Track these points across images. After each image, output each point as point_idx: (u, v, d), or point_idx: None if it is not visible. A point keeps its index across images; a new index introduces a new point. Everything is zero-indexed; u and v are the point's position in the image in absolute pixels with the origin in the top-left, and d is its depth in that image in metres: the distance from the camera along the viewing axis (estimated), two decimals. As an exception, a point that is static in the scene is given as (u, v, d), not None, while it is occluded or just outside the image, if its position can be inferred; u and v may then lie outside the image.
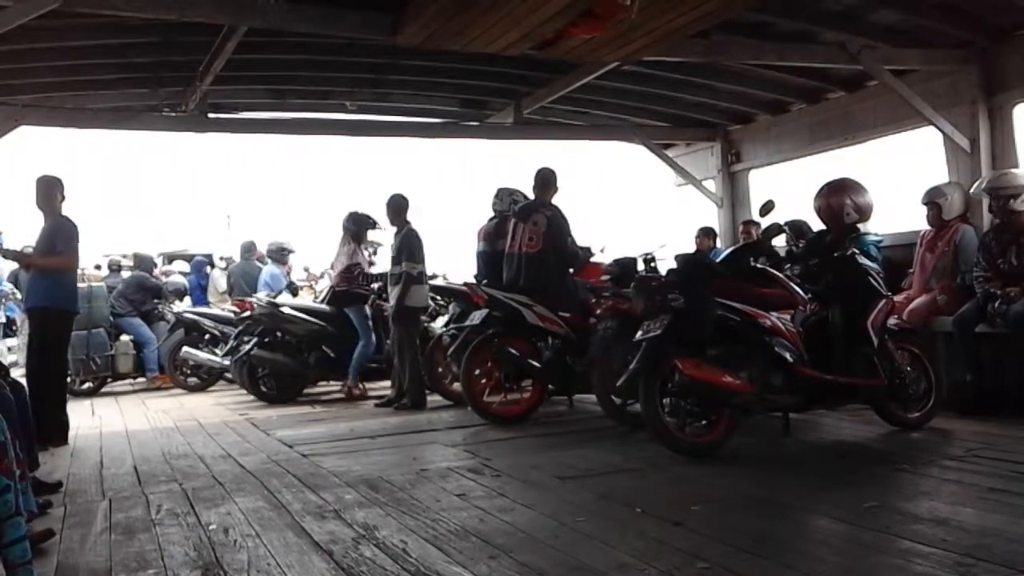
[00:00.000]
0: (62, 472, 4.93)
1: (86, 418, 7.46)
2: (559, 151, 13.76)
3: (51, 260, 6.06)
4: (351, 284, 8.09)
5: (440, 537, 3.34)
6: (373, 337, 8.07)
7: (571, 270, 6.63)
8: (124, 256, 11.88)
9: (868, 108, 7.54)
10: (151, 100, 7.56)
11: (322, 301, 8.51)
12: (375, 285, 8.10)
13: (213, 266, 12.42)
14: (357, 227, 8.13)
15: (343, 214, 8.21)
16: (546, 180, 6.67)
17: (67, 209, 6.15)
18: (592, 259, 6.98)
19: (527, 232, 6.46)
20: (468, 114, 8.96)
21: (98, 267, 11.33)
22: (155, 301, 10.22)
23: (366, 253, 8.48)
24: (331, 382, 8.99)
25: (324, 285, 9.07)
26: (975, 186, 6.12)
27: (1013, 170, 6.00)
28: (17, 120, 7.03)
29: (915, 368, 5.25)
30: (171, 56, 6.65)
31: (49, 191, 6.08)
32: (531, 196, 6.85)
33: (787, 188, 8.40)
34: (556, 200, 6.70)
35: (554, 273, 6.39)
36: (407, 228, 7.28)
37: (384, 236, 8.29)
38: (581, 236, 6.87)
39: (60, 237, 6.01)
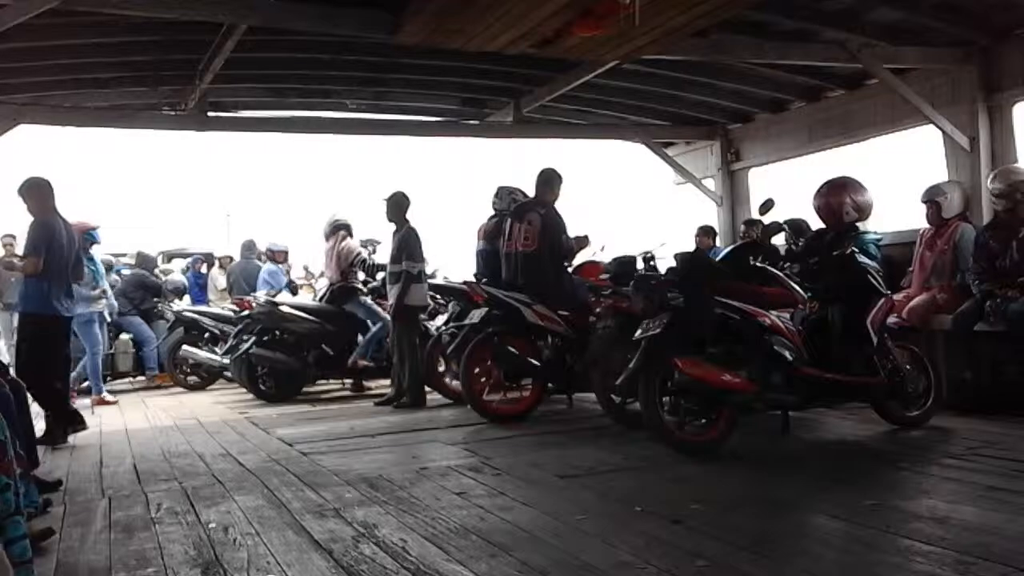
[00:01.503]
0: (62, 471, 4.93)
1: (85, 417, 7.44)
2: (559, 150, 13.76)
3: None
4: (348, 279, 8.12)
5: (440, 535, 3.34)
6: (386, 320, 8.03)
7: (568, 268, 6.62)
8: (116, 256, 11.87)
9: (868, 107, 7.54)
10: (150, 99, 7.56)
11: (321, 299, 8.51)
12: (380, 275, 8.12)
13: (211, 264, 12.42)
14: (343, 222, 8.23)
15: (326, 220, 8.33)
16: (548, 180, 6.65)
17: (68, 209, 6.11)
18: (587, 247, 6.95)
19: (522, 231, 6.46)
20: (468, 113, 8.97)
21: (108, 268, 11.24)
22: (155, 299, 10.21)
23: (362, 249, 8.50)
24: (330, 380, 9.01)
25: (323, 284, 9.11)
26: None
27: (1012, 166, 6.00)
28: (16, 119, 7.04)
29: (915, 367, 5.26)
30: (170, 55, 6.65)
31: (30, 195, 5.86)
32: (532, 195, 6.84)
33: (786, 187, 8.40)
34: (559, 200, 6.69)
35: (551, 271, 6.39)
36: (407, 227, 7.27)
37: (383, 234, 8.32)
38: (580, 233, 6.87)
39: (28, 241, 5.83)
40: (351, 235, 8.30)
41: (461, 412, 6.62)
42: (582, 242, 6.77)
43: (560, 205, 6.64)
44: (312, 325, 8.13)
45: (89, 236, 8.17)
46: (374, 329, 8.11)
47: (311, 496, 4.10)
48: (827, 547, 3.10)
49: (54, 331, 5.96)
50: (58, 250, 5.87)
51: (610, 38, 5.45)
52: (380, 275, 8.09)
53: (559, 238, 6.43)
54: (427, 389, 7.39)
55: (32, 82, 6.96)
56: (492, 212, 7.52)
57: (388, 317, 7.98)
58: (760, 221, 5.63)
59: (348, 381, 8.76)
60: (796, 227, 5.76)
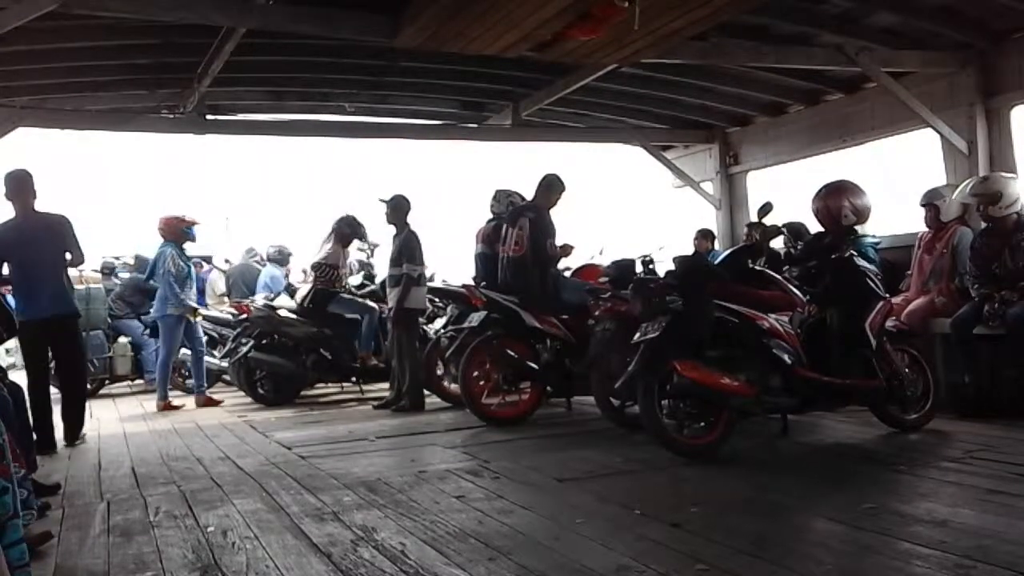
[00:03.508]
0: (60, 474, 4.92)
1: (84, 420, 7.43)
2: (557, 153, 13.74)
3: None
4: (324, 282, 8.11)
5: (439, 539, 3.34)
6: (375, 310, 8.03)
7: (552, 271, 6.61)
8: (118, 258, 11.84)
9: (866, 110, 7.55)
10: (149, 102, 7.56)
11: (302, 302, 8.39)
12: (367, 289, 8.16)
13: (211, 268, 12.37)
14: (349, 230, 8.18)
15: (337, 215, 8.28)
16: (550, 185, 6.64)
17: (68, 210, 6.08)
18: (569, 255, 6.94)
19: (513, 236, 6.48)
20: (466, 116, 8.97)
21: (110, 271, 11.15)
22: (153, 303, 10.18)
23: (348, 259, 8.50)
24: (328, 384, 9.00)
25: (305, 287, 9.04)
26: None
27: (996, 174, 5.98)
28: (15, 122, 7.03)
29: (913, 370, 5.25)
30: (169, 58, 6.65)
31: (15, 192, 5.77)
32: (531, 199, 6.83)
33: (785, 190, 8.40)
34: (560, 205, 6.68)
35: (534, 275, 6.39)
36: (407, 230, 7.28)
37: (383, 237, 8.32)
38: (575, 237, 6.89)
39: None
40: (338, 242, 8.20)
41: (460, 415, 6.61)
42: (566, 249, 6.77)
43: (558, 209, 6.65)
44: (310, 329, 8.12)
45: (185, 233, 8.13)
46: (366, 320, 8.08)
47: (309, 500, 4.09)
48: (826, 550, 3.09)
49: (41, 333, 5.80)
50: (8, 251, 5.73)
51: (609, 41, 5.46)
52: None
53: (544, 242, 6.42)
54: (426, 392, 7.39)
55: (31, 85, 6.96)
56: (490, 216, 7.53)
57: (373, 305, 8.00)
58: (762, 224, 5.64)
59: (347, 384, 8.75)
60: (795, 230, 5.77)
